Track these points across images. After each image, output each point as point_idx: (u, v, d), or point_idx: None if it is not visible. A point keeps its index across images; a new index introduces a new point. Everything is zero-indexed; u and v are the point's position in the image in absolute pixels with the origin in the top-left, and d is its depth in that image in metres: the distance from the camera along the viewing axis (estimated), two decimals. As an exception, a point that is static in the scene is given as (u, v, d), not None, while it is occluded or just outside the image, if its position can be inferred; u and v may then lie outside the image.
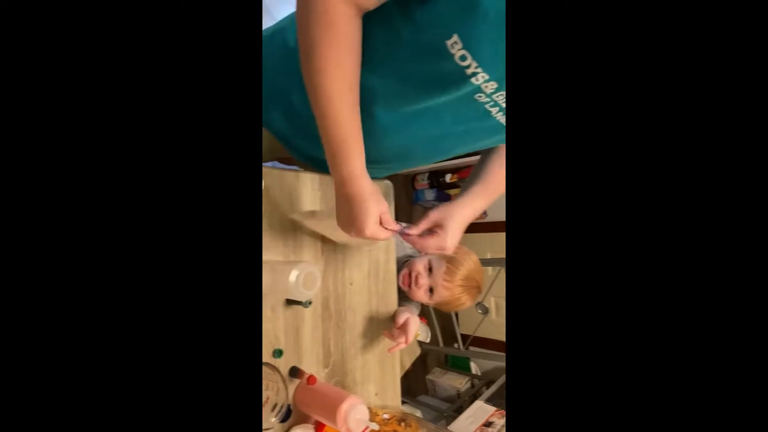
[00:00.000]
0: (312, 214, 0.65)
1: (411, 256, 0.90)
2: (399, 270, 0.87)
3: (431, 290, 0.83)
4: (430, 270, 0.83)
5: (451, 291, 0.82)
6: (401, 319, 0.76)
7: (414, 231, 0.55)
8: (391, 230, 0.51)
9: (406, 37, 0.41)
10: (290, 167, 0.73)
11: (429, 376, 2.10)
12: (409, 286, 0.84)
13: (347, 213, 0.49)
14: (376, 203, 0.48)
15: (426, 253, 0.55)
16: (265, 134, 0.64)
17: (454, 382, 2.00)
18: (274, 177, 0.64)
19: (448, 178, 2.08)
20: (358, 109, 0.44)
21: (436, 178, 2.12)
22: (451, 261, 0.83)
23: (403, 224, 0.55)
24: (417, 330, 0.83)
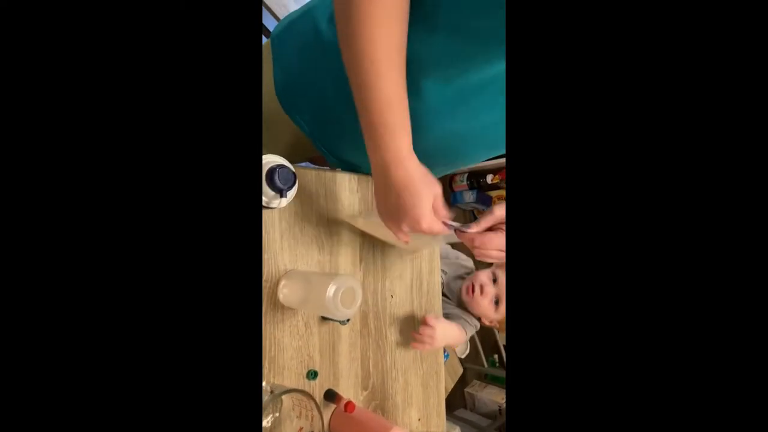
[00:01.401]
0: (361, 214, 0.58)
1: (467, 274, 0.82)
2: (445, 293, 0.79)
3: (497, 301, 0.75)
4: (494, 281, 0.75)
5: None
6: (430, 318, 0.68)
7: (475, 228, 0.45)
8: (446, 225, 0.42)
9: None
10: (324, 168, 0.67)
11: (468, 389, 1.99)
12: (473, 296, 0.76)
13: (395, 203, 0.40)
14: (428, 187, 0.39)
15: (483, 257, 0.45)
16: (295, 131, 0.58)
17: (495, 397, 1.87)
18: (308, 178, 0.58)
19: (489, 178, 1.96)
20: (404, 76, 0.36)
21: (476, 178, 2.00)
22: None
23: (453, 222, 0.45)
24: (452, 342, 0.73)
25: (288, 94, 0.54)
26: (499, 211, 0.45)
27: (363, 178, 0.64)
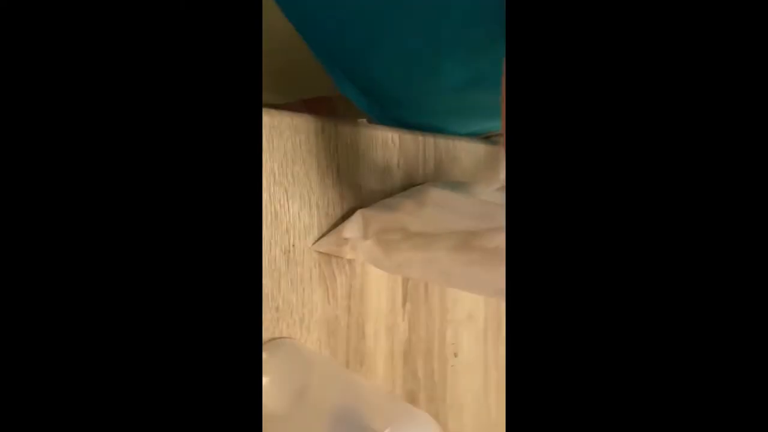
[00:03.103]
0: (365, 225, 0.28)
1: None
2: None
3: None
4: None
5: None
6: None
7: None
8: None
9: None
10: (335, 118, 0.37)
11: None
12: None
13: None
14: None
15: None
16: (285, 32, 0.32)
17: None
18: (301, 134, 0.27)
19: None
20: None
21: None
22: None
23: None
24: None
25: None
26: None
27: (409, 137, 0.34)
